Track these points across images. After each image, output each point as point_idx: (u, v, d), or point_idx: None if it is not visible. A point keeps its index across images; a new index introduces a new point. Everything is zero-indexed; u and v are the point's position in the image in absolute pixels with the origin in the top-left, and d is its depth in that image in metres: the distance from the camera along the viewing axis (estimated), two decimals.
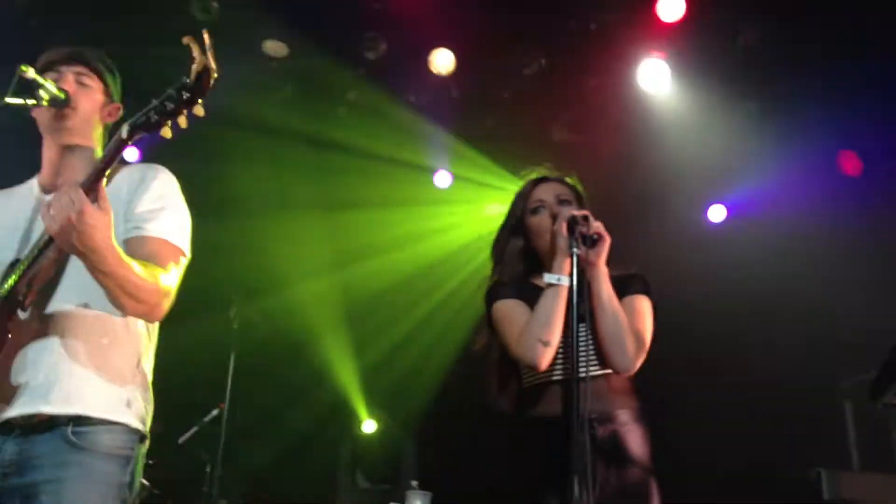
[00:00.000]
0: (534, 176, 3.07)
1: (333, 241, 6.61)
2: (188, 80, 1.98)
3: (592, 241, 2.77)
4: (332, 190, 6.49)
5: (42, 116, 2.42)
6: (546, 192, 2.99)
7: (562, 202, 2.96)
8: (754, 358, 6.44)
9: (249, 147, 6.24)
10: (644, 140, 6.58)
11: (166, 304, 2.26)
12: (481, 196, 6.83)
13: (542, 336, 2.71)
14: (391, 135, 6.53)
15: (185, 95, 1.99)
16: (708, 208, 7.21)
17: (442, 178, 6.93)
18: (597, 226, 2.79)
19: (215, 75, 1.99)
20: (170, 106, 2.01)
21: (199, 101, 2.01)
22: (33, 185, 2.48)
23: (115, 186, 2.33)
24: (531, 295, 2.85)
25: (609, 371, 2.78)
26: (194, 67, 1.97)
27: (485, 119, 6.67)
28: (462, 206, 6.94)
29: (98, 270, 2.11)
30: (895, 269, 6.21)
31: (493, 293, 2.94)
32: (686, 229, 7.08)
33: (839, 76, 6.09)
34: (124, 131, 2.08)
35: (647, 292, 2.91)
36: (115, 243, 2.10)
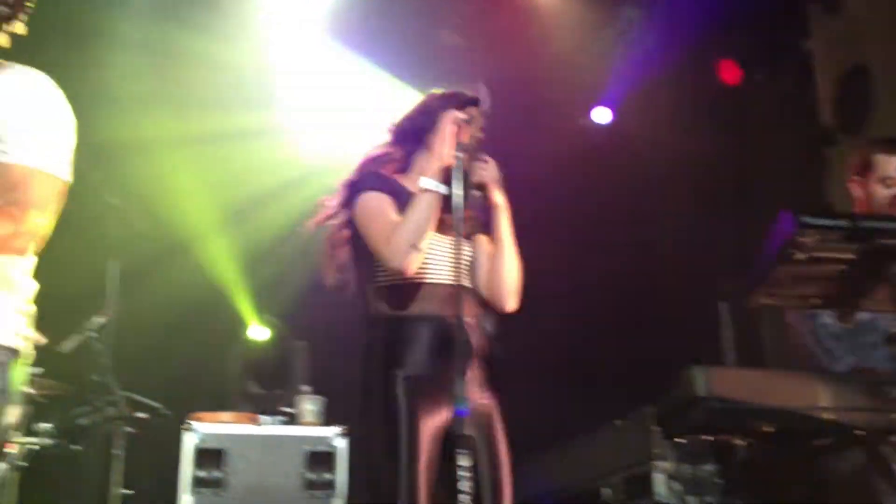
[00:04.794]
0: (470, 93, 2.98)
1: (213, 144, 6.43)
2: None
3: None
4: (213, 88, 6.27)
5: None
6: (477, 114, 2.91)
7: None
8: (637, 259, 6.63)
9: (126, 40, 5.95)
10: (532, 42, 6.57)
11: (27, 242, 2.15)
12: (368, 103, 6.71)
13: (412, 241, 2.69)
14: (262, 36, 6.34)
15: (3, 10, 1.91)
16: (592, 110, 7.30)
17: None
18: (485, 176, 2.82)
19: None
20: None
21: (17, 17, 1.89)
22: None
23: None
24: (400, 193, 2.84)
25: (465, 284, 2.83)
26: None
27: (367, 19, 6.54)
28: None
29: None
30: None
31: (362, 181, 2.88)
32: (572, 131, 7.16)
33: None
34: None
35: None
36: None
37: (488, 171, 2.89)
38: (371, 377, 2.75)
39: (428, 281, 2.78)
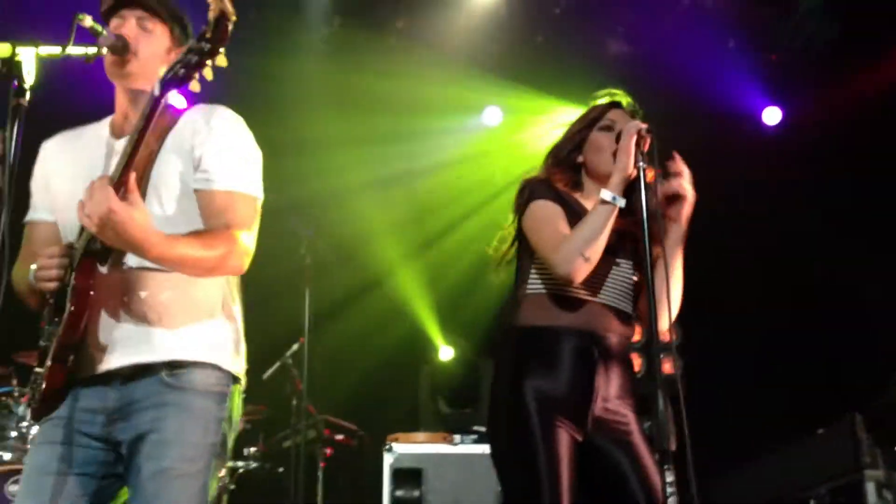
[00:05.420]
0: (608, 98, 2.99)
1: (394, 174, 6.66)
2: (206, 30, 1.98)
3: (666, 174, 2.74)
4: (387, 123, 6.49)
5: (106, 63, 2.39)
6: (619, 117, 2.90)
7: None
8: (827, 262, 6.35)
9: (303, 83, 6.26)
10: (698, 45, 6.43)
11: (239, 261, 2.27)
12: (537, 122, 6.78)
13: (585, 251, 2.65)
14: (441, 62, 6.50)
15: (206, 46, 2.00)
16: (763, 110, 7.07)
17: (491, 115, 6.94)
18: (678, 184, 2.75)
19: (233, 19, 1.96)
20: (193, 58, 2.02)
21: (220, 50, 2.00)
22: (103, 128, 2.47)
23: (182, 130, 2.33)
24: (569, 206, 2.80)
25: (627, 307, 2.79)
26: (210, 14, 1.96)
27: (535, 37, 6.59)
28: (518, 134, 6.90)
29: (147, 259, 2.16)
30: None
31: (534, 191, 2.84)
32: (742, 135, 6.97)
33: None
34: (156, 88, 2.09)
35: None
36: (151, 232, 2.10)
37: (685, 185, 2.82)
38: (502, 387, 2.74)
39: (576, 295, 2.74)
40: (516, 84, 6.64)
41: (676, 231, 2.80)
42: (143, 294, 2.23)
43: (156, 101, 2.10)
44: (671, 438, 2.42)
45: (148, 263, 2.21)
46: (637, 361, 2.87)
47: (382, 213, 6.64)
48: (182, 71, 2.04)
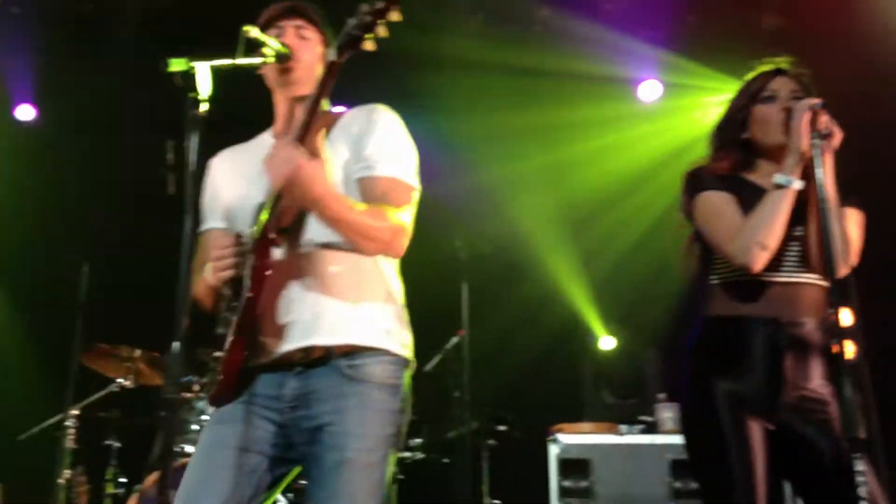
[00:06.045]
0: (767, 67, 2.88)
1: (546, 164, 6.64)
2: None
3: (825, 136, 2.61)
4: (536, 115, 6.47)
5: (269, 73, 2.52)
6: (781, 85, 2.78)
7: (796, 98, 2.77)
8: None
9: (449, 83, 6.31)
10: (868, 12, 6.08)
11: (402, 240, 2.37)
12: (693, 101, 6.59)
13: (762, 239, 2.57)
14: (589, 50, 6.42)
15: (381, 4, 2.09)
16: None
17: (648, 90, 6.78)
18: (828, 119, 2.61)
19: None
20: (367, 18, 2.12)
21: (395, 6, 2.08)
22: (267, 136, 2.61)
23: (344, 126, 2.45)
24: (741, 189, 2.71)
25: (812, 280, 2.65)
26: None
27: (687, 17, 6.41)
28: (674, 113, 6.72)
29: (326, 217, 2.26)
30: None
31: (700, 182, 2.77)
32: None
33: None
34: (331, 53, 2.20)
35: (860, 208, 2.74)
36: (335, 190, 2.23)
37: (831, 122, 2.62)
38: (691, 384, 2.70)
39: (758, 278, 2.64)
40: (672, 60, 6.48)
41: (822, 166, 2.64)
42: (315, 270, 2.34)
43: (333, 66, 2.21)
44: (860, 426, 2.33)
45: (321, 239, 2.33)
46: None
47: (537, 201, 6.63)
48: (356, 32, 2.14)
